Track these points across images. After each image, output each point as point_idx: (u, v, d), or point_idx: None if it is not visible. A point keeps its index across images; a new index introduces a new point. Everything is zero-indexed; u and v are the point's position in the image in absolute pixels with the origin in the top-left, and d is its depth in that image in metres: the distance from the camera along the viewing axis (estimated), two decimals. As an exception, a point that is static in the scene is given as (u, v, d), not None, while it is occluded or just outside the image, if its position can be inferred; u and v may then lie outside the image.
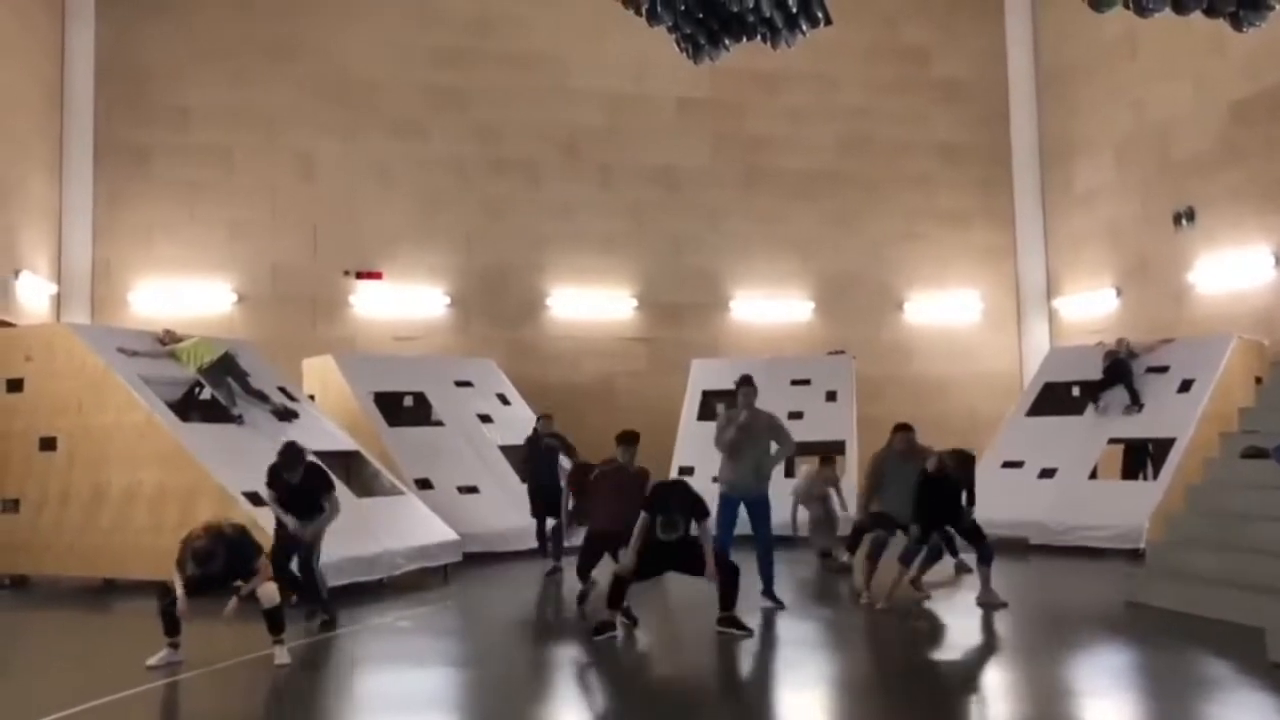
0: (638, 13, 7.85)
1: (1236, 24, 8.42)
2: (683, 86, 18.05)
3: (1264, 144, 14.68)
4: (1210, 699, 6.46)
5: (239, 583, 7.24)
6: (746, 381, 9.28)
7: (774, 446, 9.23)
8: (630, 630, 8.21)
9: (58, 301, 16.05)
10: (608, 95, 18.38)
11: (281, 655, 7.24)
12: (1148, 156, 16.95)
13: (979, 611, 8.89)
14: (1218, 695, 6.52)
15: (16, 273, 14.49)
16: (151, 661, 7.10)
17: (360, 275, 17.22)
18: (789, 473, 14.49)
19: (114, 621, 7.49)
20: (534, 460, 12.00)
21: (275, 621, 7.27)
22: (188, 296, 16.51)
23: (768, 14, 8.18)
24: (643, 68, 18.04)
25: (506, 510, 12.60)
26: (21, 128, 15.12)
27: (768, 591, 9.01)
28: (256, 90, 17.13)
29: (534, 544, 11.91)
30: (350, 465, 11.82)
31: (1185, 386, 13.11)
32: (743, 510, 9.15)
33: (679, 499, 8.11)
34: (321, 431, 11.92)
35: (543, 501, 11.69)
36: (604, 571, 8.62)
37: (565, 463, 11.78)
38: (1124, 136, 17.47)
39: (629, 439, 9.13)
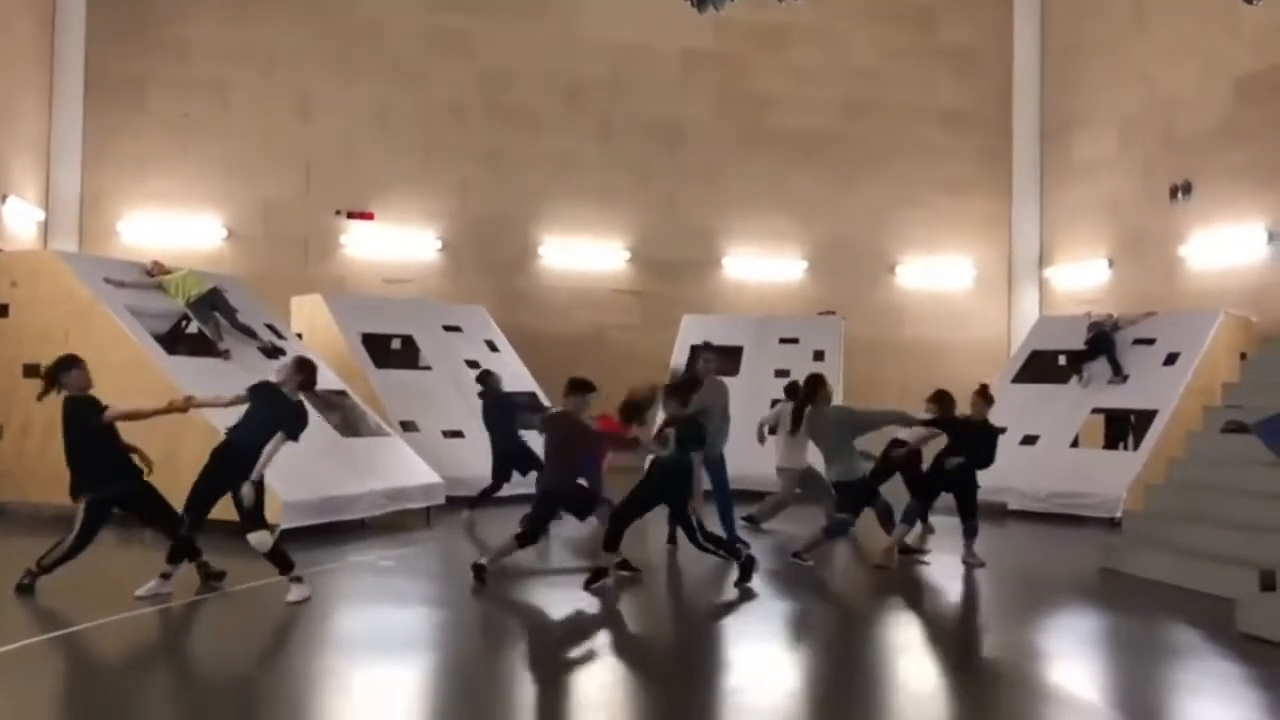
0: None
1: (1248, -4, 8.37)
2: (688, 38, 17.86)
3: (1267, 121, 14.62)
4: (1178, 666, 6.57)
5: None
6: (707, 347, 10.48)
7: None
8: (633, 579, 8.25)
9: (45, 229, 15.92)
10: (612, 45, 18.18)
11: (297, 591, 7.16)
12: (1151, 132, 16.88)
13: (954, 574, 8.99)
14: (1186, 662, 6.63)
15: (4, 198, 14.35)
16: (140, 592, 7.12)
17: (351, 215, 17.12)
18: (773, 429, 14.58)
19: (97, 550, 7.49)
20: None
21: (279, 562, 7.23)
22: (178, 230, 16.39)
23: (774, -36, 8.08)
24: (649, 17, 17.80)
25: (490, 456, 12.60)
26: (11, 52, 14.89)
27: (730, 537, 9.42)
28: (256, 26, 16.90)
29: (519, 490, 11.82)
30: (336, 405, 11.80)
31: (1171, 360, 13.16)
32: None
33: (678, 423, 8.13)
34: (308, 370, 11.89)
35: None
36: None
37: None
38: (1129, 111, 17.37)
39: (579, 388, 8.35)
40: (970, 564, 9.15)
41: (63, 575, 7.27)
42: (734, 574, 8.14)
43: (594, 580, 7.87)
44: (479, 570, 7.94)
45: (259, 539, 7.16)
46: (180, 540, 7.29)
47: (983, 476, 12.76)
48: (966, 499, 9.25)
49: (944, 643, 7.16)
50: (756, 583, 8.17)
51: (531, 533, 8.13)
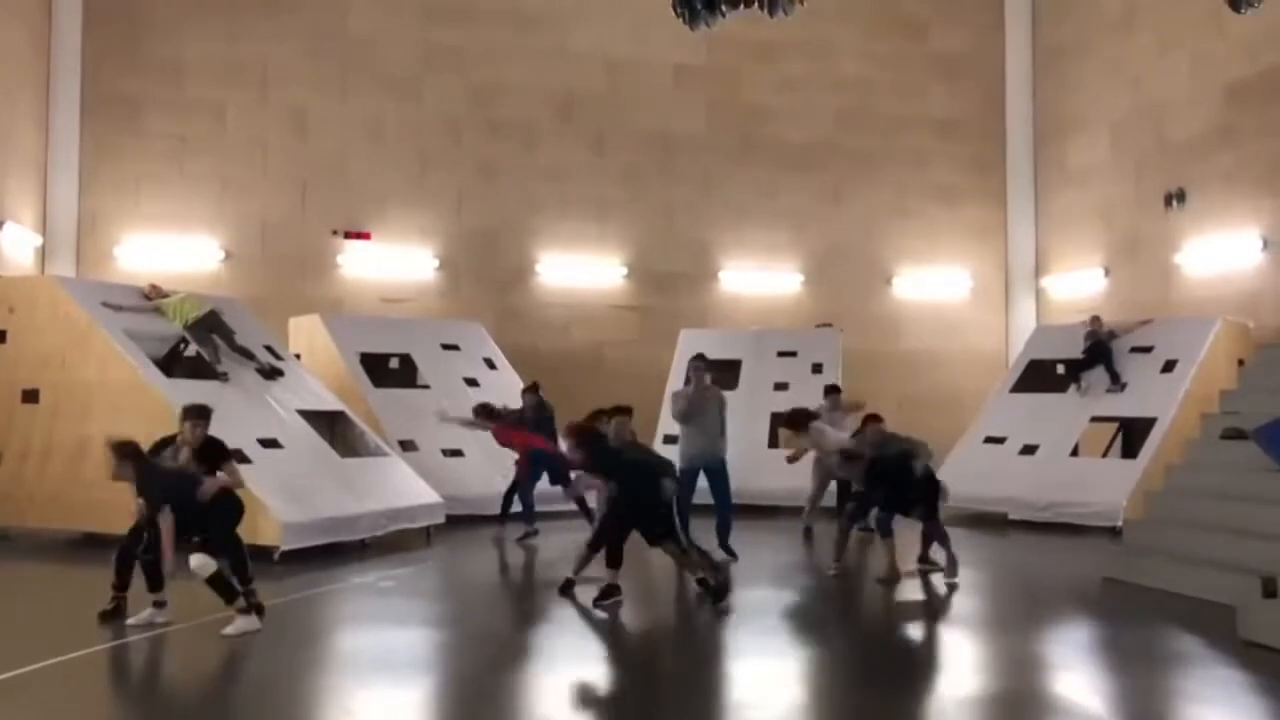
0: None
1: (1235, 6, 8.42)
2: (680, 52, 17.92)
3: (1258, 126, 14.67)
4: (1180, 674, 6.56)
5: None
6: (698, 358, 10.37)
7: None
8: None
9: (43, 253, 15.93)
10: (605, 59, 18.24)
11: (240, 624, 6.88)
12: (1142, 137, 16.93)
13: (953, 585, 8.96)
14: (1188, 670, 6.62)
15: (0, 223, 14.36)
16: (133, 621, 7.05)
17: (349, 235, 17.13)
18: (773, 443, 14.60)
19: (95, 575, 7.48)
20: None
21: (222, 590, 6.93)
22: (175, 252, 16.40)
23: (765, -19, 8.13)
24: (641, 31, 17.87)
25: (490, 474, 12.61)
26: (6, 75, 14.92)
27: (723, 544, 9.84)
28: (250, 45, 16.94)
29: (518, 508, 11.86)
30: (335, 425, 11.82)
31: (1169, 367, 13.18)
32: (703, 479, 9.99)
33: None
34: (307, 391, 11.91)
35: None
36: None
37: None
38: (1120, 116, 17.44)
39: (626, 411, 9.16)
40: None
41: (50, 601, 7.25)
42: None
43: (604, 597, 7.86)
44: (569, 584, 8.23)
45: (200, 563, 6.86)
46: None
47: (983, 487, 12.88)
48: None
49: (947, 654, 7.14)
50: (758, 595, 8.15)
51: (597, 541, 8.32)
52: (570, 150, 18.08)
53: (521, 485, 11.52)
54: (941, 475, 13.35)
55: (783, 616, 8.08)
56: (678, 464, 9.62)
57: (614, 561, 8.03)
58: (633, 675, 6.63)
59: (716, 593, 8.00)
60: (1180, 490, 9.42)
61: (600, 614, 7.71)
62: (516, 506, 11.61)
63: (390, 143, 17.47)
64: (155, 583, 7.13)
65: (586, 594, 8.06)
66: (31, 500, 10.68)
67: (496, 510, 11.73)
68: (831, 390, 12.90)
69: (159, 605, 7.14)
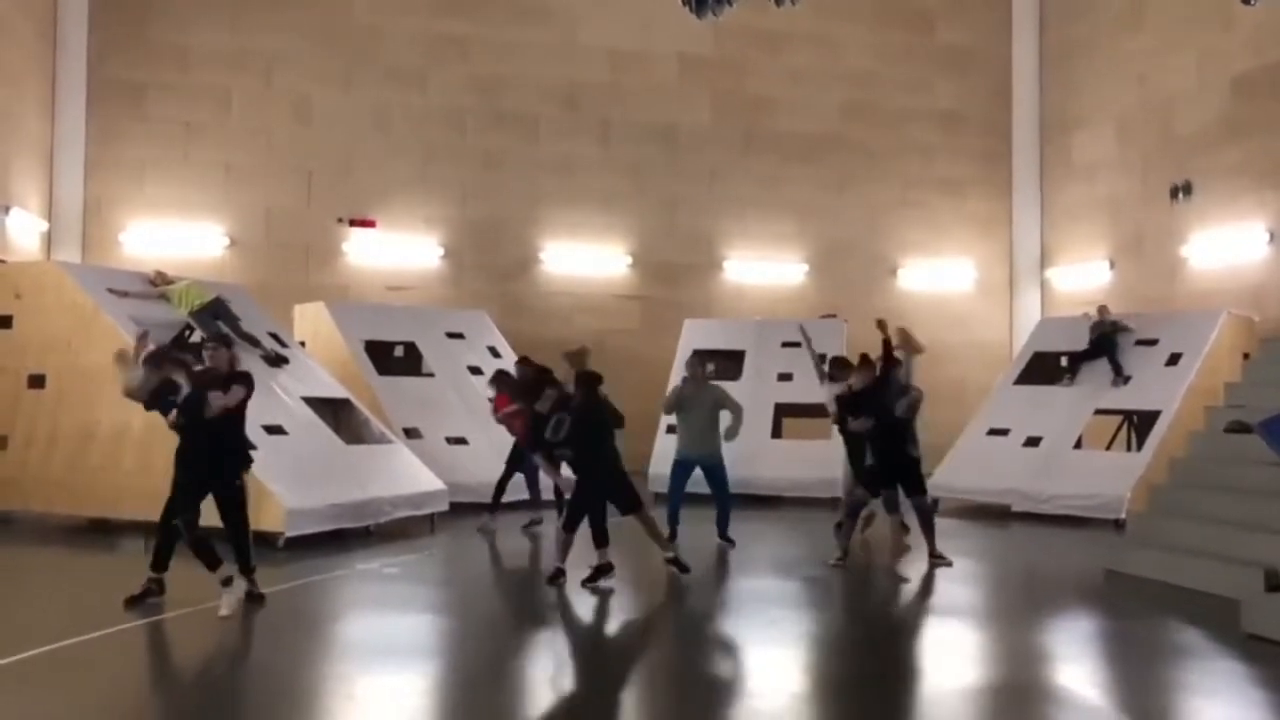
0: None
1: (1245, -2, 8.41)
2: (686, 42, 17.88)
3: (1264, 120, 14.61)
4: (1183, 667, 6.57)
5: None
6: (694, 354, 10.91)
7: (724, 418, 10.01)
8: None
9: (48, 239, 15.94)
10: (610, 50, 18.20)
11: (229, 600, 6.97)
12: (1149, 131, 16.88)
13: (959, 577, 8.98)
14: (1190, 663, 6.63)
15: (7, 209, 14.37)
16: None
17: (354, 223, 17.13)
18: (776, 433, 14.60)
19: (100, 561, 7.50)
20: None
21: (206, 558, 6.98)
22: (180, 238, 16.42)
23: (773, -30, 8.12)
24: (647, 21, 17.83)
25: (494, 462, 12.61)
26: (12, 61, 14.92)
27: (722, 534, 10.01)
28: (255, 33, 16.93)
29: (521, 495, 11.84)
30: (340, 413, 11.83)
31: (1174, 360, 13.16)
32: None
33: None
34: (312, 378, 11.92)
35: None
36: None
37: None
38: (1126, 110, 17.39)
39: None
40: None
41: (56, 586, 7.27)
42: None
43: (594, 578, 8.07)
44: (557, 574, 8.24)
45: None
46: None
47: (987, 479, 12.88)
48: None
49: (950, 645, 7.16)
50: (761, 585, 8.16)
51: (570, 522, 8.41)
52: (575, 141, 18.05)
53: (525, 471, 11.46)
54: (945, 467, 13.49)
55: (784, 607, 8.10)
56: (674, 455, 10.02)
57: (600, 541, 8.21)
58: (634, 664, 6.64)
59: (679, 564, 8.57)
60: (1184, 483, 9.42)
61: (596, 598, 7.74)
62: (513, 496, 11.62)
63: (395, 133, 17.46)
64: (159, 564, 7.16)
65: (577, 581, 8.09)
66: (37, 485, 10.70)
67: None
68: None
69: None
